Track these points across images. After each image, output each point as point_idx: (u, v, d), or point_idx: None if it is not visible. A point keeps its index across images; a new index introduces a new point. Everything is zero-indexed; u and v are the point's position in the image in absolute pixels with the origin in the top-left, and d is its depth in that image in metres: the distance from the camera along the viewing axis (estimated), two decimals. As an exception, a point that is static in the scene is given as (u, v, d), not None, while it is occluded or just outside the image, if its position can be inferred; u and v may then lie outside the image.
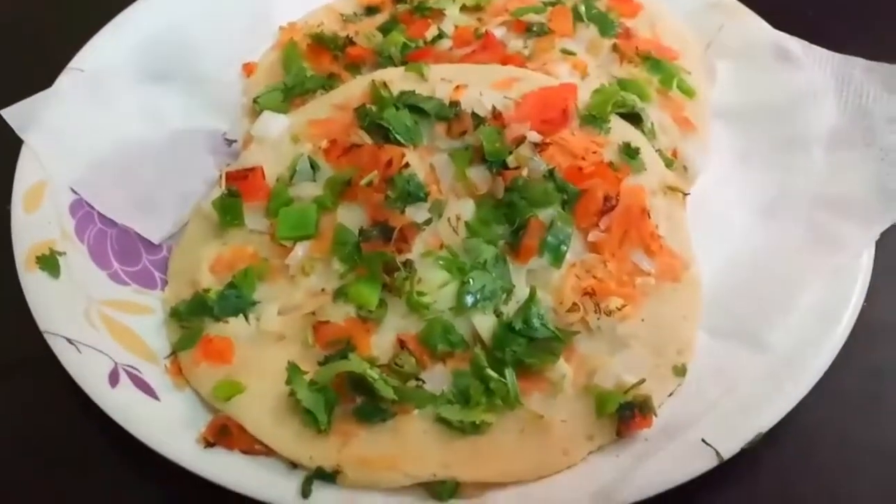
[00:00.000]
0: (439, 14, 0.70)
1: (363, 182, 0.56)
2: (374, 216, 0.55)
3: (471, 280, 0.53)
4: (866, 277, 0.54)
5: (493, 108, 0.58)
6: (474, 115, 0.58)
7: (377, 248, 0.54)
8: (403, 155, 0.57)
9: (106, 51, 0.67)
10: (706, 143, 0.64)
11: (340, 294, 0.53)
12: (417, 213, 0.55)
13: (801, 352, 0.52)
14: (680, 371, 0.52)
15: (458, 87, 0.60)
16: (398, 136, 0.58)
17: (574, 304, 0.53)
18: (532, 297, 0.53)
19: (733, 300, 0.56)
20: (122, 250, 0.59)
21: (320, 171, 0.58)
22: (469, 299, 0.53)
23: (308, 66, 0.68)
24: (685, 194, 0.59)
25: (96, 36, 0.68)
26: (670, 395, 0.52)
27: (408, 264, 0.53)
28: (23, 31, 0.79)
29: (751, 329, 0.54)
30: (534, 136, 0.57)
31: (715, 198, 0.61)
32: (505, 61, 0.66)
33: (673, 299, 0.55)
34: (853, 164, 0.60)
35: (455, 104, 0.59)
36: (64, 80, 0.65)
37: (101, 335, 0.53)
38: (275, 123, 0.61)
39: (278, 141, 0.61)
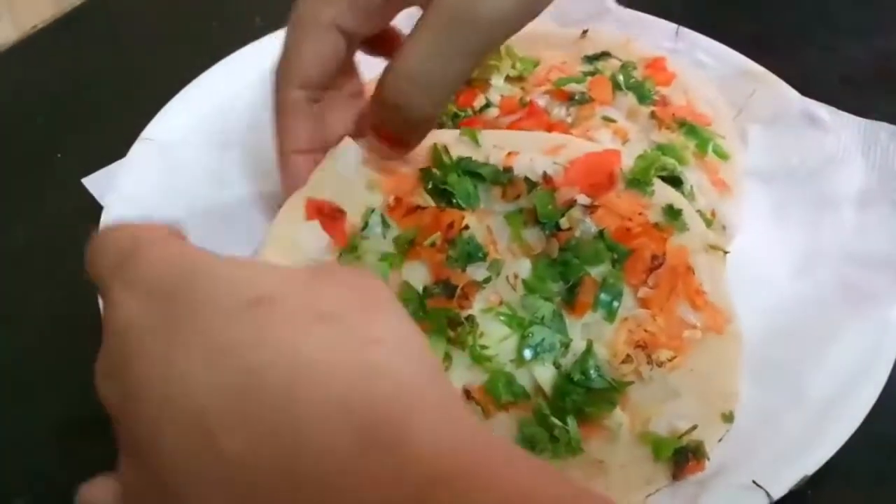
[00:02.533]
0: (485, 84, 0.74)
1: (427, 242, 0.60)
2: (437, 274, 0.59)
3: (531, 334, 0.57)
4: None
5: (544, 172, 0.62)
6: (527, 179, 0.63)
7: (441, 304, 0.58)
8: (463, 217, 0.61)
9: (176, 121, 0.72)
10: (741, 203, 0.68)
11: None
12: (477, 272, 0.59)
13: (840, 399, 0.55)
14: (728, 418, 0.56)
15: (510, 153, 0.64)
16: (460, 202, 0.62)
17: (627, 355, 0.57)
18: (588, 349, 0.56)
19: (772, 351, 0.59)
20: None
21: (389, 228, 0.62)
22: (529, 353, 0.56)
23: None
24: (725, 252, 0.63)
25: (165, 108, 0.73)
26: (720, 440, 0.55)
27: (470, 319, 0.57)
28: (96, 98, 0.83)
29: (790, 378, 0.57)
30: (583, 199, 0.61)
31: (751, 255, 0.65)
32: (549, 128, 0.70)
33: (717, 350, 0.58)
34: (881, 221, 0.64)
35: (508, 170, 0.63)
36: (138, 147, 0.69)
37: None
38: (352, 152, 0.63)
39: (351, 178, 0.63)
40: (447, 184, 0.62)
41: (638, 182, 0.63)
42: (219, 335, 0.33)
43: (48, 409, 0.61)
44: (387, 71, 0.56)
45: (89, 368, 0.37)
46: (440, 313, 0.57)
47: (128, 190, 0.66)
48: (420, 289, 0.59)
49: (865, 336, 0.58)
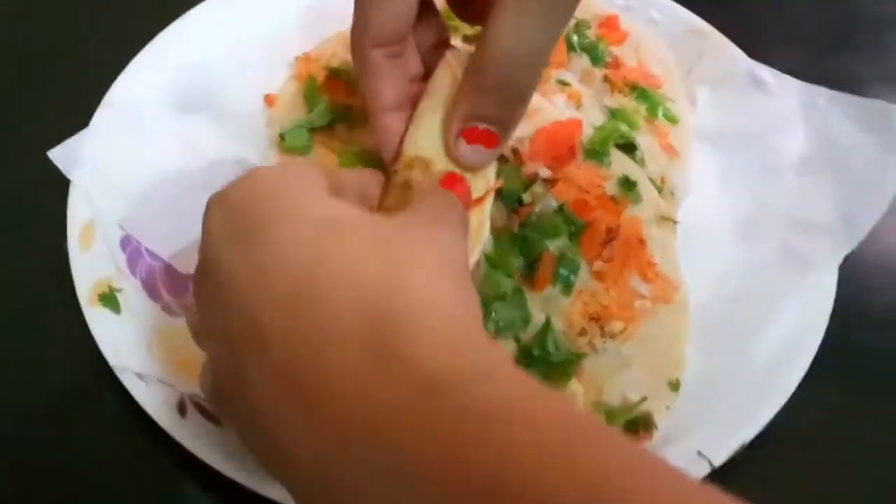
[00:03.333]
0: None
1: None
2: None
3: (493, 311, 0.60)
4: (831, 295, 0.63)
5: (514, 148, 0.64)
6: None
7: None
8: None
9: (138, 84, 0.72)
10: (690, 168, 0.71)
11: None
12: (443, 247, 0.62)
13: (779, 366, 0.60)
14: (675, 386, 0.60)
15: None
16: None
17: (582, 328, 0.61)
18: (547, 324, 0.60)
19: (718, 318, 0.63)
20: (171, 282, 0.65)
21: None
22: (492, 327, 0.60)
23: (326, 97, 0.73)
24: (675, 223, 0.66)
25: (127, 69, 0.72)
26: (668, 408, 0.60)
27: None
28: (53, 67, 0.82)
29: (734, 345, 0.62)
30: (545, 173, 0.64)
31: (697, 220, 0.68)
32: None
33: (666, 320, 0.62)
34: (821, 189, 0.67)
35: None
36: (101, 115, 0.69)
37: (165, 367, 0.59)
38: None
39: None
40: None
41: (596, 153, 0.66)
42: (281, 250, 0.39)
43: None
44: (484, 51, 0.53)
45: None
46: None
47: (94, 161, 0.67)
48: None
49: (804, 303, 0.62)
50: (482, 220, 0.55)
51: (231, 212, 0.43)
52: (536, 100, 0.68)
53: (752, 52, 0.76)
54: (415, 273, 0.39)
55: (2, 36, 0.85)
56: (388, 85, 0.58)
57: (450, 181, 0.53)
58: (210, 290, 0.42)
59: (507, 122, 0.56)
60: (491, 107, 0.55)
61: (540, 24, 0.52)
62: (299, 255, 0.39)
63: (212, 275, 0.42)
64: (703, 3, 0.80)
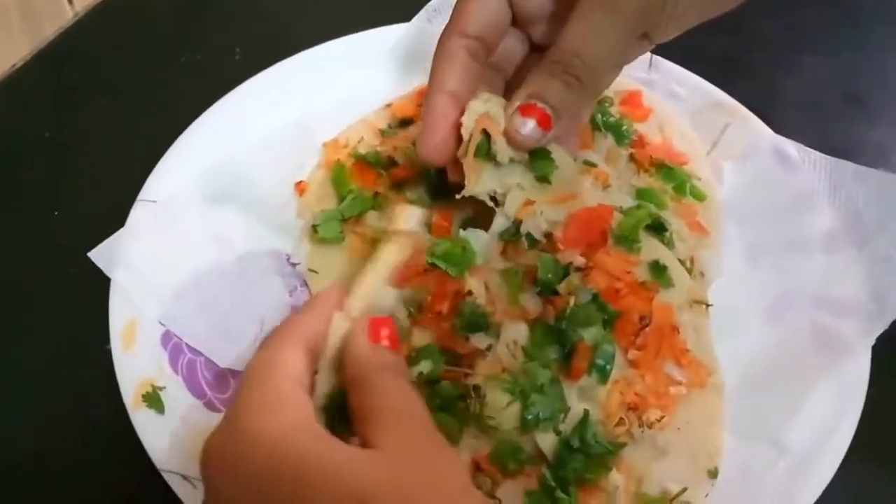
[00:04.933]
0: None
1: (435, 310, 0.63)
2: (443, 342, 0.63)
3: (532, 403, 0.61)
4: (864, 379, 0.63)
5: (548, 233, 0.65)
6: (528, 236, 0.65)
7: (450, 377, 0.61)
8: (465, 286, 0.64)
9: (170, 180, 0.73)
10: (718, 246, 0.72)
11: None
12: (479, 339, 0.63)
13: (814, 453, 0.60)
14: (713, 473, 0.61)
15: (526, 202, 0.66)
16: (451, 273, 0.65)
17: (620, 418, 0.61)
18: (586, 417, 0.61)
19: (751, 401, 0.64)
20: (213, 378, 0.66)
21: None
22: (532, 420, 0.60)
23: (355, 185, 0.75)
24: (707, 306, 0.67)
25: (159, 165, 0.73)
26: (707, 496, 0.61)
27: (476, 389, 0.61)
28: (86, 163, 0.84)
29: (770, 430, 0.63)
30: (579, 261, 0.64)
31: (727, 299, 0.69)
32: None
33: (701, 406, 0.63)
34: (849, 267, 0.68)
35: (518, 223, 0.65)
36: (137, 213, 0.71)
37: (209, 468, 0.61)
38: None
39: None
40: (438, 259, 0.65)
41: (626, 239, 0.67)
42: None
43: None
44: (559, 43, 0.59)
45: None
46: (451, 390, 0.61)
47: (132, 259, 0.68)
48: (427, 369, 0.61)
49: (837, 387, 0.63)
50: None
51: (245, 484, 0.46)
52: (576, 182, 0.69)
53: (772, 119, 0.77)
54: None
55: (37, 140, 0.86)
56: (454, 72, 0.62)
57: (374, 325, 0.56)
58: None
59: (564, 110, 0.60)
60: (554, 91, 0.59)
61: (610, 29, 0.57)
62: None
63: None
64: (718, 69, 0.81)
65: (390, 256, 0.65)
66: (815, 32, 0.96)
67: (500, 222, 0.66)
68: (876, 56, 0.93)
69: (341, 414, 0.54)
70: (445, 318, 0.63)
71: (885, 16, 0.96)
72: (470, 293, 0.64)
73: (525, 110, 0.61)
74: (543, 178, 0.66)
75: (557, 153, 0.66)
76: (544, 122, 0.61)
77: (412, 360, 0.62)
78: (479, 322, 0.63)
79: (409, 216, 0.68)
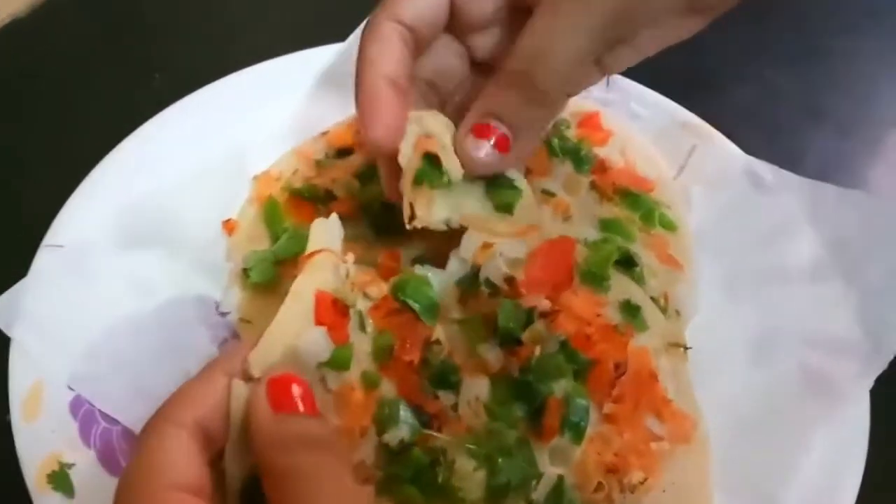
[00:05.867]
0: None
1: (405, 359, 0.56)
2: (410, 397, 0.55)
3: (500, 469, 0.53)
4: (866, 427, 0.57)
5: (509, 276, 0.58)
6: (487, 281, 0.58)
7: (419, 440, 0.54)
8: (433, 333, 0.57)
9: (81, 220, 0.65)
10: (693, 281, 0.66)
11: (383, 490, 0.53)
12: (448, 396, 0.56)
13: (817, 509, 0.54)
14: (704, 541, 0.54)
15: (485, 244, 0.59)
16: (423, 318, 0.58)
17: (599, 482, 0.54)
18: (560, 483, 0.54)
19: (742, 454, 0.58)
20: (131, 449, 0.58)
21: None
22: (500, 488, 0.53)
23: (290, 222, 0.67)
24: (686, 349, 0.60)
25: (66, 206, 0.65)
26: (699, 568, 0.54)
27: (444, 452, 0.54)
28: None
29: (764, 487, 0.56)
30: (544, 305, 0.58)
31: (706, 339, 0.63)
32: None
33: (687, 464, 0.57)
34: (838, 300, 0.62)
35: (475, 268, 0.58)
36: (42, 260, 0.63)
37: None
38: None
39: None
40: (407, 296, 0.58)
41: (594, 276, 0.60)
42: None
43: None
44: (512, 50, 0.51)
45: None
46: (421, 458, 0.53)
47: (37, 313, 0.60)
48: (408, 435, 0.54)
49: (836, 438, 0.57)
50: None
51: None
52: (534, 214, 0.63)
53: (738, 138, 0.71)
54: None
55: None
56: (390, 56, 0.53)
57: (276, 386, 0.44)
58: None
59: (523, 129, 0.53)
60: (511, 107, 0.52)
61: (571, 24, 0.49)
62: None
63: None
64: (679, 87, 0.75)
65: (306, 287, 0.51)
66: (778, 45, 0.90)
67: (456, 267, 0.59)
68: (841, 69, 0.89)
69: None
70: (415, 370, 0.56)
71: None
72: (438, 342, 0.56)
73: (479, 131, 0.54)
74: (505, 208, 0.59)
75: (519, 180, 0.59)
76: (502, 145, 0.54)
77: (384, 417, 0.54)
78: (448, 376, 0.56)
79: (323, 231, 0.55)
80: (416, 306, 0.57)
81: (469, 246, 0.59)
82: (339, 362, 0.51)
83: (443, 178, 0.57)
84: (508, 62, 0.52)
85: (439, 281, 0.59)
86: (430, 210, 0.58)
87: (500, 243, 0.59)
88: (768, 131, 0.78)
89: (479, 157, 0.54)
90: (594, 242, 0.63)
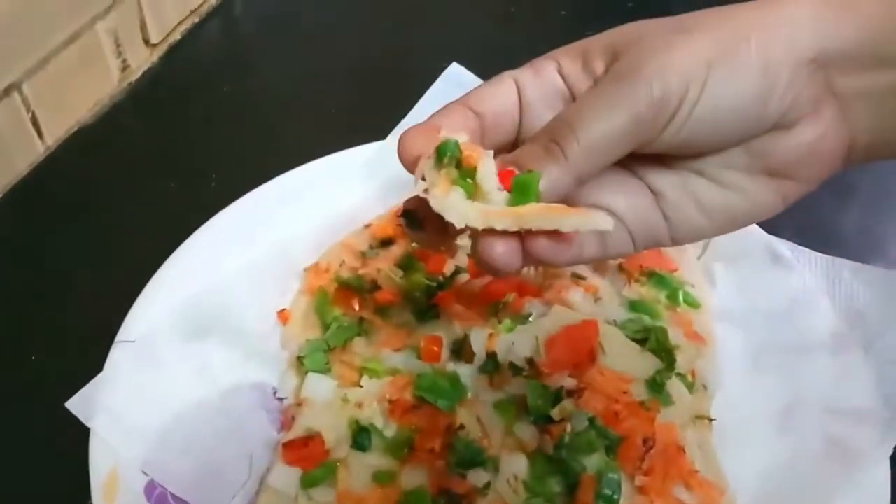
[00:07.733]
0: (454, 248, 0.74)
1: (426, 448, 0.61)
2: (437, 484, 0.60)
3: (540, 547, 0.58)
4: (887, 492, 0.60)
5: (529, 358, 0.63)
6: (511, 365, 0.63)
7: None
8: (456, 419, 0.61)
9: (149, 316, 0.70)
10: (718, 356, 0.70)
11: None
12: (477, 476, 0.60)
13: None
14: None
15: (491, 334, 0.65)
16: (441, 407, 0.62)
17: (633, 554, 0.58)
18: (597, 560, 0.58)
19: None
20: (199, 528, 0.63)
21: (383, 431, 0.63)
22: (538, 560, 0.57)
23: (339, 311, 0.72)
24: (711, 420, 0.64)
25: (137, 303, 0.71)
26: None
27: (483, 532, 0.58)
28: (61, 303, 0.81)
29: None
30: (569, 383, 0.62)
31: (733, 411, 0.66)
32: (521, 289, 0.70)
33: (716, 532, 0.60)
34: (858, 370, 0.65)
35: (492, 355, 0.64)
36: (115, 355, 0.68)
37: None
38: (322, 386, 0.66)
39: (330, 402, 0.65)
40: (422, 392, 0.63)
41: (655, 384, 0.64)
42: None
43: None
44: (560, 114, 0.49)
45: None
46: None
47: (113, 405, 0.65)
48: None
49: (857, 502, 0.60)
50: None
51: None
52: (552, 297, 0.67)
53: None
54: None
55: (8, 281, 0.83)
56: (450, 116, 0.50)
57: None
58: None
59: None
60: (531, 156, 0.47)
61: (619, 105, 0.46)
62: None
63: None
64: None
65: None
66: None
67: (481, 357, 0.64)
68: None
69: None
70: (439, 456, 0.60)
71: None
72: (462, 427, 0.61)
73: (502, 176, 0.47)
74: None
75: None
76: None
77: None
78: (475, 457, 0.60)
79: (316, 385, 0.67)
80: (431, 398, 0.63)
81: (477, 339, 0.65)
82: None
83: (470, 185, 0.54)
84: (545, 125, 0.50)
85: (468, 374, 0.64)
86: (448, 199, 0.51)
87: (511, 335, 0.65)
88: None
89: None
90: (623, 323, 0.66)
